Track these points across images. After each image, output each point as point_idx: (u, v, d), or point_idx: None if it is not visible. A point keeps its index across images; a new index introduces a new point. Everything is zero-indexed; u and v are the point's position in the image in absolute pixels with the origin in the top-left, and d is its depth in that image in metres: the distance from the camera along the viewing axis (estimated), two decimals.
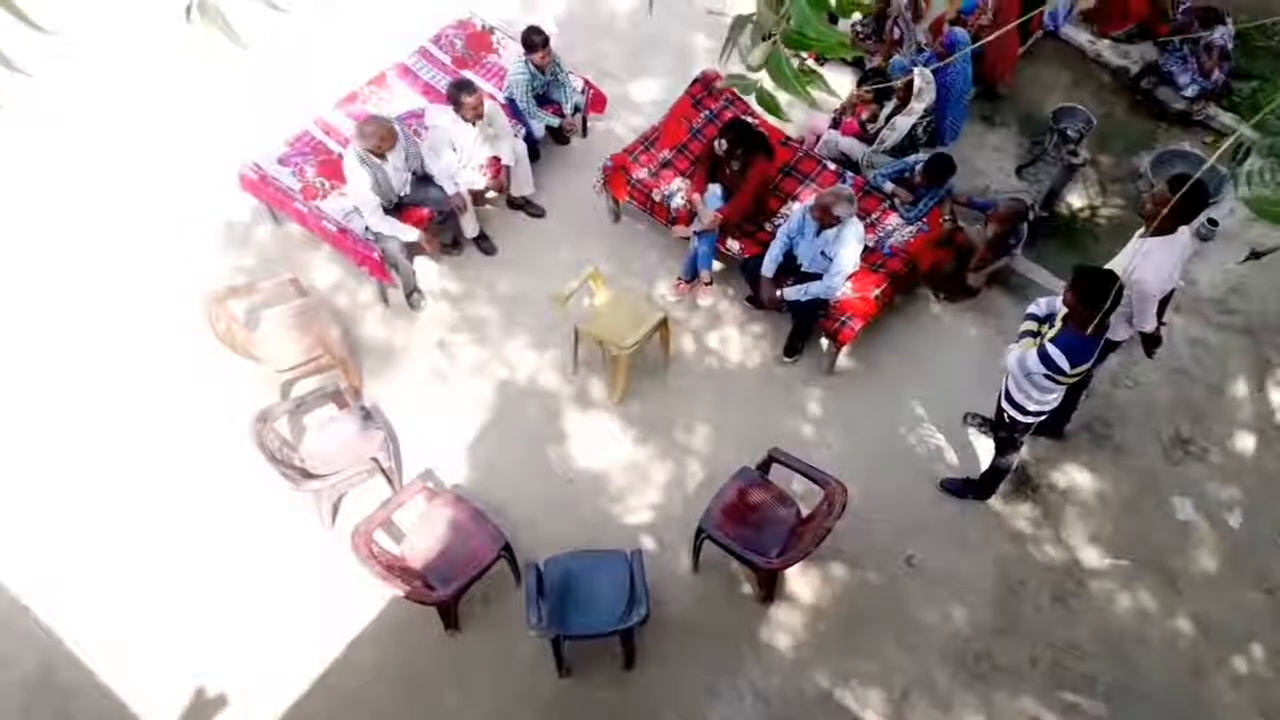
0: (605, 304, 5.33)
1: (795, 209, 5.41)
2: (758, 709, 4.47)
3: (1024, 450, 4.95)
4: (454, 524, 4.58)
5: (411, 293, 5.71)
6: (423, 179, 5.58)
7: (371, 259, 5.48)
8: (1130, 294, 4.17)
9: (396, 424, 5.28)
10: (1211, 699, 4.51)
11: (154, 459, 5.14)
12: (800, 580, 4.82)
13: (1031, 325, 4.22)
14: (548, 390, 5.47)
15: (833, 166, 5.83)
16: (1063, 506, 5.07)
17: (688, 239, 5.65)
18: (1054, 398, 4.24)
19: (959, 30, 6.02)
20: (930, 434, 5.31)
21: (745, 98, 2.10)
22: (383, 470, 4.85)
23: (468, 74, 6.20)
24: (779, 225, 5.44)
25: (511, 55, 6.18)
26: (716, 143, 5.45)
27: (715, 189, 5.51)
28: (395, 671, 4.58)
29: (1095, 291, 3.69)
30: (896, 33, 6.35)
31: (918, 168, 5.58)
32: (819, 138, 6.12)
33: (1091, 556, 4.91)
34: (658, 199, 5.75)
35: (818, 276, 5.16)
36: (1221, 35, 6.26)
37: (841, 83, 6.64)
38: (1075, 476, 5.16)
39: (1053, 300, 4.26)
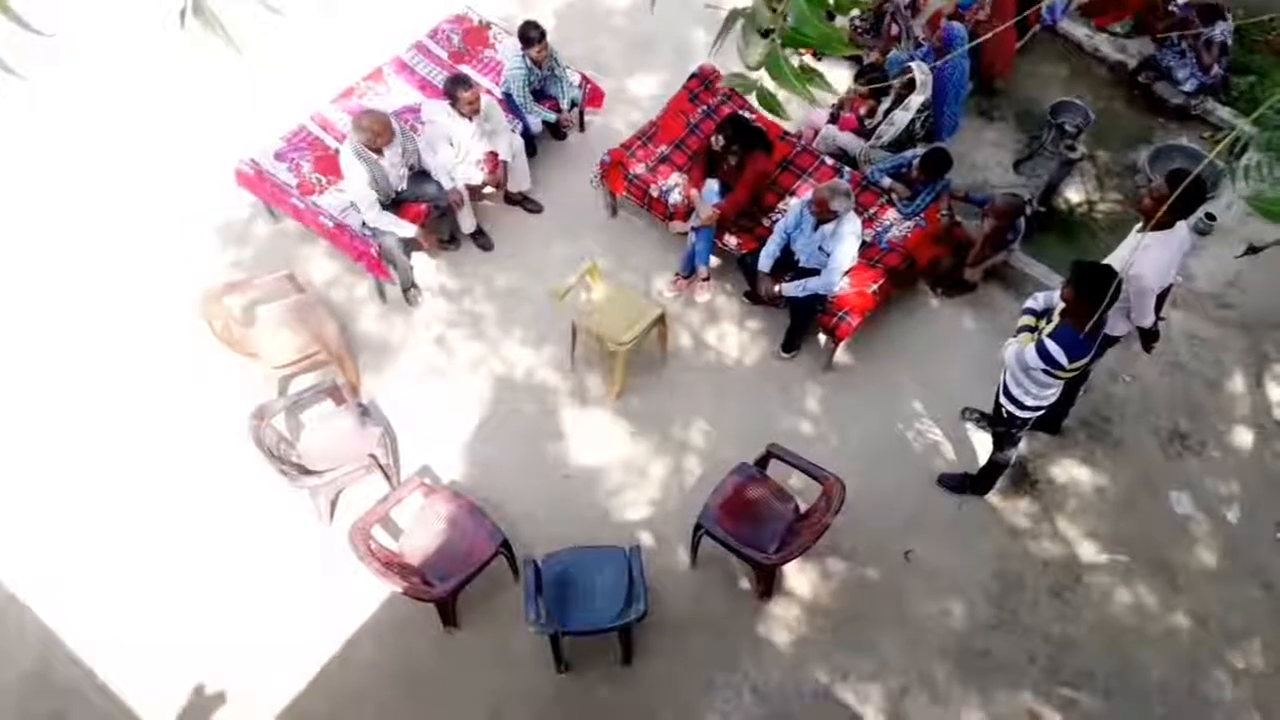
0: (603, 299, 5.32)
1: (793, 204, 5.40)
2: (756, 705, 4.47)
3: (1022, 445, 4.95)
4: (452, 520, 4.57)
5: (409, 288, 5.70)
6: (420, 174, 5.56)
7: (368, 254, 5.47)
8: (1128, 289, 4.17)
9: (394, 420, 5.27)
10: (1209, 693, 4.52)
11: (151, 456, 5.13)
12: (798, 576, 4.82)
13: (1029, 320, 4.21)
14: (545, 386, 5.47)
15: (830, 161, 5.82)
16: (1061, 502, 5.07)
17: (685, 234, 5.64)
18: (1052, 393, 4.24)
19: (956, 25, 6.03)
20: (928, 429, 5.31)
21: (745, 96, 2.08)
22: (380, 466, 4.84)
23: (464, 69, 6.19)
24: (777, 220, 5.43)
25: (508, 50, 6.16)
26: (714, 138, 5.44)
27: (713, 184, 5.50)
28: (394, 668, 4.58)
29: (1093, 286, 3.69)
30: (895, 28, 6.33)
31: (915, 163, 5.58)
32: (816, 133, 6.12)
33: (1090, 551, 4.92)
34: (655, 194, 5.74)
35: (815, 272, 5.16)
36: (1222, 31, 6.26)
37: (839, 77, 6.62)
38: (1073, 471, 5.17)
39: (1050, 295, 4.25)
